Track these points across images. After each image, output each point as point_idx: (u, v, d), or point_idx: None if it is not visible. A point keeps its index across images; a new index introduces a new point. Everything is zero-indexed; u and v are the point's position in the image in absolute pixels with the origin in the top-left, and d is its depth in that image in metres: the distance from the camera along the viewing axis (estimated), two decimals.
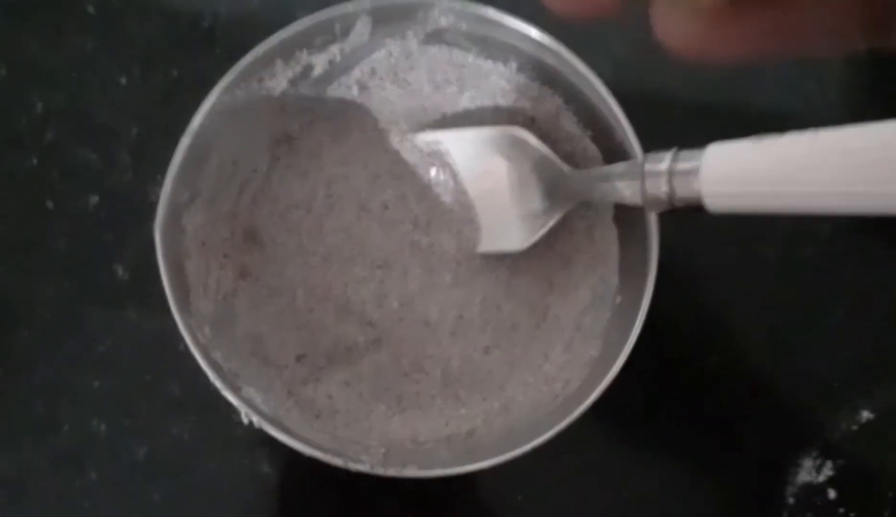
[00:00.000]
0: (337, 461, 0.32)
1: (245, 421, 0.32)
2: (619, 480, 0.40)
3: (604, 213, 0.37)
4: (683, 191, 0.28)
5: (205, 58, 0.41)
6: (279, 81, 0.36)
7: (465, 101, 0.38)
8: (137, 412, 0.39)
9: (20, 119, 0.41)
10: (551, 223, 0.36)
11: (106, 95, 0.41)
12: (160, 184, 0.33)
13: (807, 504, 0.39)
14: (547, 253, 0.38)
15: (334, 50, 0.36)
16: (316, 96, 0.37)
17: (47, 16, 0.42)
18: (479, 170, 0.38)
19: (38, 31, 0.42)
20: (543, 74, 0.36)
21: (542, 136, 0.36)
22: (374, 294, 0.38)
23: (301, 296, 0.38)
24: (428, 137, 0.38)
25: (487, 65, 0.37)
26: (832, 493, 0.39)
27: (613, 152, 0.35)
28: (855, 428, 0.40)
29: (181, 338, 0.32)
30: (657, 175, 0.29)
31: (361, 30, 0.36)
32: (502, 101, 0.38)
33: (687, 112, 0.41)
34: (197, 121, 0.33)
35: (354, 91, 0.38)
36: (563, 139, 0.37)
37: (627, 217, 0.36)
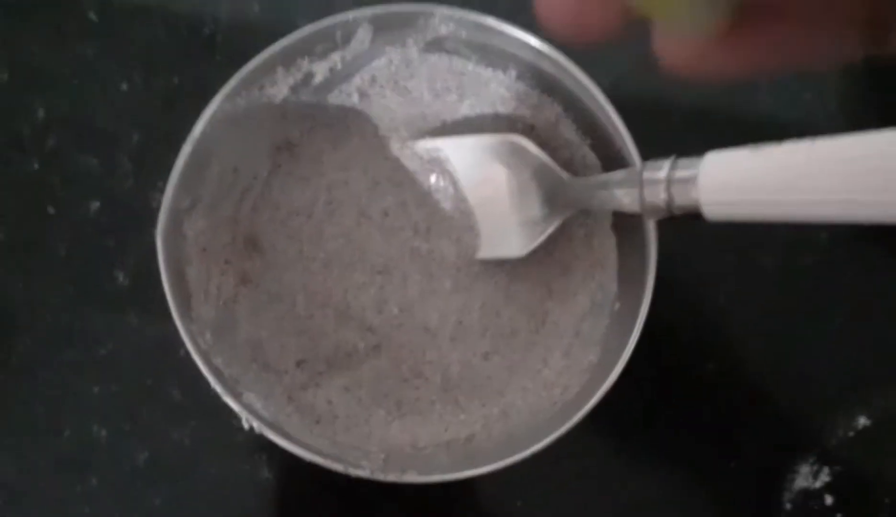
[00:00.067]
0: (337, 466, 0.32)
1: (245, 426, 0.32)
2: (618, 486, 0.40)
3: (602, 220, 0.38)
4: (682, 198, 0.28)
5: (206, 64, 0.41)
6: (280, 89, 0.36)
7: (465, 109, 0.39)
8: (138, 417, 0.39)
9: (22, 124, 0.41)
10: (550, 230, 0.36)
11: (107, 101, 0.41)
12: (161, 190, 0.33)
13: (804, 510, 0.39)
14: (546, 259, 0.38)
15: (335, 57, 0.36)
16: (317, 103, 0.38)
17: (49, 22, 0.42)
18: (479, 177, 0.38)
19: (40, 36, 0.42)
20: (543, 82, 0.37)
21: (542, 144, 0.37)
22: (374, 300, 0.38)
23: (301, 301, 0.38)
24: (428, 145, 0.38)
25: (487, 73, 0.37)
26: (829, 499, 0.39)
27: (612, 160, 0.35)
28: (852, 434, 0.40)
29: (182, 344, 0.32)
30: (655, 183, 0.29)
31: (362, 38, 0.36)
32: (502, 109, 0.38)
33: (685, 120, 0.41)
34: (198, 128, 0.33)
35: (355, 98, 0.38)
36: (562, 147, 0.38)
37: (626, 224, 0.36)
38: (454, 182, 0.38)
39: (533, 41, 0.34)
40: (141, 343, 0.39)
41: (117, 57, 0.42)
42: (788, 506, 0.39)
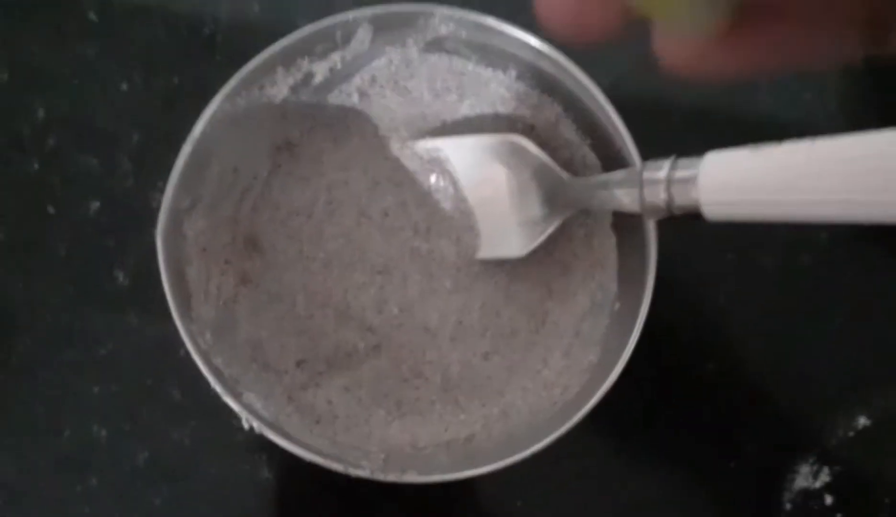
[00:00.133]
0: (337, 466, 0.32)
1: (245, 426, 0.32)
2: (618, 486, 0.40)
3: (602, 220, 0.38)
4: (682, 198, 0.28)
5: (206, 64, 0.41)
6: (280, 89, 0.36)
7: (465, 109, 0.39)
8: (138, 417, 0.39)
9: (22, 124, 0.41)
10: (550, 230, 0.36)
11: (107, 101, 0.41)
12: (161, 190, 0.33)
13: (804, 510, 0.39)
14: (546, 259, 0.38)
15: (335, 57, 0.36)
16: (317, 103, 0.38)
17: (49, 21, 0.42)
18: (479, 177, 0.38)
19: (40, 36, 0.42)
20: (543, 82, 0.37)
21: (542, 144, 0.37)
22: (374, 300, 0.38)
23: (301, 301, 0.38)
24: (428, 144, 0.38)
25: (487, 73, 0.37)
26: (829, 499, 0.39)
27: (612, 160, 0.35)
28: (852, 434, 0.40)
29: (182, 344, 0.32)
30: (655, 183, 0.29)
31: (362, 38, 0.36)
32: (502, 109, 0.38)
33: (685, 120, 0.41)
34: (198, 128, 0.33)
35: (355, 98, 0.38)
36: (562, 147, 0.38)
37: (626, 224, 0.36)
38: (454, 182, 0.38)
39: (533, 41, 0.34)
40: (141, 343, 0.39)
41: (117, 57, 0.42)
42: (788, 506, 0.39)
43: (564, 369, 0.37)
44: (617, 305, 0.36)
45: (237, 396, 0.32)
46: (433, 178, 0.39)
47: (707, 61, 0.22)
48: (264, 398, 0.34)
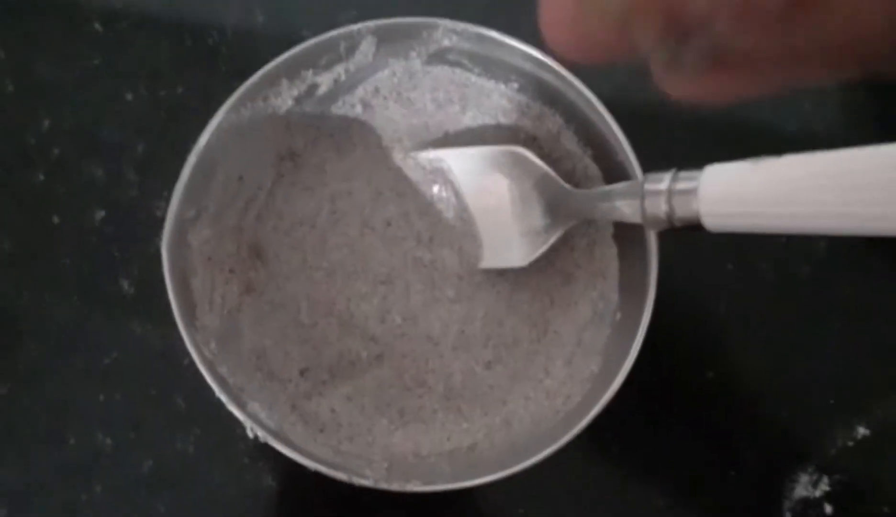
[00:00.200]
0: (340, 475, 0.32)
1: (250, 435, 0.32)
2: (619, 495, 0.40)
3: (604, 230, 0.38)
4: (682, 210, 0.28)
5: (210, 75, 0.42)
6: (284, 100, 0.36)
7: (468, 120, 0.39)
8: (142, 425, 0.39)
9: (27, 135, 0.41)
10: (552, 240, 0.36)
11: (112, 112, 0.41)
12: (166, 200, 0.34)
13: None
14: (548, 269, 0.39)
15: (339, 69, 0.36)
16: (321, 114, 0.38)
17: (55, 32, 0.42)
18: (481, 187, 0.38)
19: (45, 47, 0.42)
20: (544, 94, 0.37)
21: (543, 155, 0.37)
22: (377, 309, 0.38)
23: (305, 311, 0.38)
24: (430, 155, 0.38)
25: (489, 84, 0.38)
26: (828, 508, 0.39)
27: (613, 171, 0.35)
28: (851, 444, 0.40)
29: (186, 353, 0.32)
30: (657, 195, 0.29)
31: (366, 50, 0.36)
32: (504, 120, 0.38)
33: (686, 133, 0.42)
34: (203, 138, 0.34)
35: (358, 109, 0.39)
36: (563, 158, 0.38)
37: (627, 235, 0.36)
38: (456, 192, 0.39)
39: (535, 54, 0.35)
40: (145, 352, 0.39)
41: (122, 68, 0.42)
42: (788, 514, 0.39)
43: (566, 378, 0.37)
44: (618, 315, 0.36)
45: (242, 405, 0.32)
46: (436, 189, 0.39)
47: (707, 90, 0.23)
48: (268, 407, 0.34)
